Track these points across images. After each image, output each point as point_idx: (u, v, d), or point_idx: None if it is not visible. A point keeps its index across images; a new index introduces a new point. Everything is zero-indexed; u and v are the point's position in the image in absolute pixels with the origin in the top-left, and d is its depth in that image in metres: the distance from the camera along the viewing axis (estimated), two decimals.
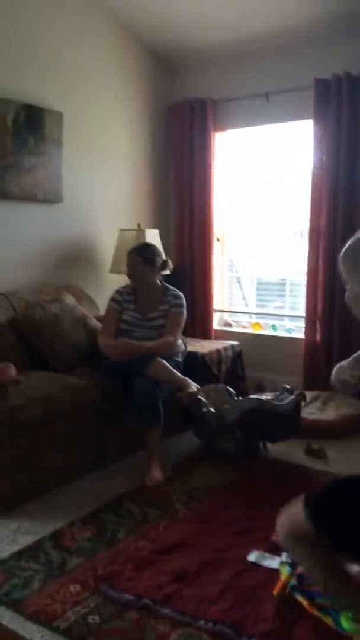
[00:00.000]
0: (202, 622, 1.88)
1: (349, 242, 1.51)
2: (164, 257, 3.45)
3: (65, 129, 3.72)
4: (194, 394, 3.17)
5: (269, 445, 3.37)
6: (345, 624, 1.83)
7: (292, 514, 1.64)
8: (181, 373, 3.21)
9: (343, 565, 1.68)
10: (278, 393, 3.36)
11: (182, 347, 3.49)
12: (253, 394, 3.60)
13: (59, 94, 3.71)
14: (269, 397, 3.30)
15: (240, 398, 3.43)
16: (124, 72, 4.27)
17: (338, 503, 1.52)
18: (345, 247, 1.51)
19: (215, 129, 4.46)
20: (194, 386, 3.19)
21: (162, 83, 4.59)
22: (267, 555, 2.27)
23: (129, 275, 3.36)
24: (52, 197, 3.71)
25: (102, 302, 3.74)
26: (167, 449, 3.23)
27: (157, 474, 2.95)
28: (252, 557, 2.27)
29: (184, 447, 3.43)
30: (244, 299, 4.79)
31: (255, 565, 2.21)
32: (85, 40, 3.90)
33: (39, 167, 3.60)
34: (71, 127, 3.77)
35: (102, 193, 4.14)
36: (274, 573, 2.12)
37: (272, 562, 2.22)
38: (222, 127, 4.49)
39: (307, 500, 1.60)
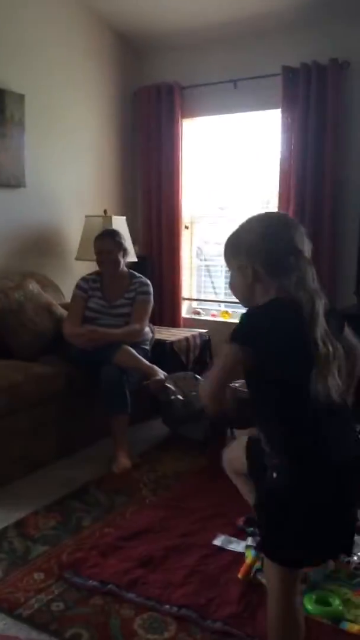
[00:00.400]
0: (167, 606, 1.88)
1: (233, 230, 1.57)
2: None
3: (28, 111, 3.63)
4: (162, 381, 3.16)
5: (237, 432, 3.38)
6: (308, 605, 1.85)
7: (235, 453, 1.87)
8: (149, 361, 3.19)
9: None
10: (244, 380, 3.36)
11: (150, 334, 3.47)
12: None
13: (20, 75, 3.60)
14: (236, 384, 3.30)
15: None
16: (89, 55, 4.19)
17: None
18: (229, 235, 1.57)
19: (183, 116, 4.42)
20: (161, 374, 3.18)
21: (129, 67, 4.52)
22: (233, 539, 2.29)
23: (101, 261, 3.31)
24: (14, 181, 3.62)
25: (68, 289, 3.69)
26: (134, 437, 3.21)
27: (124, 461, 2.94)
28: (217, 541, 2.28)
29: (152, 435, 3.42)
30: (213, 287, 4.78)
31: (221, 550, 2.22)
32: (49, 22, 3.80)
33: None
34: (34, 109, 3.68)
35: (67, 178, 4.06)
36: (239, 557, 2.13)
37: (238, 546, 2.23)
38: (191, 114, 4.45)
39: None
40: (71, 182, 4.10)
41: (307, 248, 1.49)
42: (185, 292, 4.66)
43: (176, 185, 4.46)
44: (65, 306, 3.51)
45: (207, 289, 4.81)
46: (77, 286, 3.33)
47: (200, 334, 4.12)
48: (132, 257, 3.70)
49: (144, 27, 4.25)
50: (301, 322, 1.37)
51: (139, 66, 4.59)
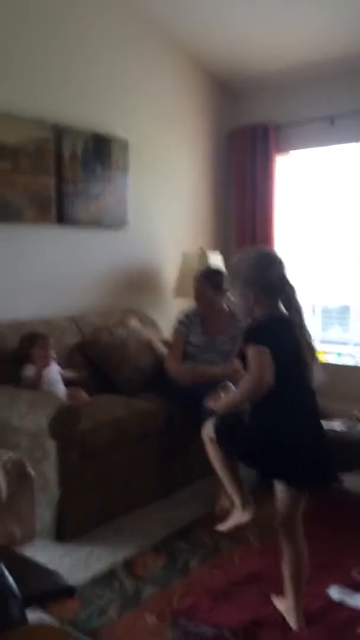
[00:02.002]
0: None
1: (233, 262, 2.05)
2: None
3: (131, 156, 3.78)
4: None
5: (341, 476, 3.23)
6: None
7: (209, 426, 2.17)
8: None
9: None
10: (348, 421, 3.25)
11: None
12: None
13: (124, 122, 3.78)
14: (342, 427, 3.19)
15: None
16: (186, 100, 4.33)
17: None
18: (230, 266, 2.06)
19: (277, 152, 4.45)
20: None
21: (225, 109, 4.63)
22: (349, 591, 2.16)
23: (196, 299, 3.34)
24: (117, 222, 3.76)
25: (165, 325, 3.74)
26: None
27: (227, 502, 2.87)
28: (333, 592, 2.16)
29: (252, 476, 3.33)
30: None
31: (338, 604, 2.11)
32: (148, 69, 3.97)
33: (105, 194, 3.65)
34: (136, 154, 3.83)
35: (165, 217, 4.17)
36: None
37: (356, 599, 2.11)
38: (284, 149, 4.47)
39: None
40: (169, 221, 4.20)
41: (288, 275, 1.96)
42: None
43: (269, 220, 4.46)
44: (163, 342, 3.55)
45: None
46: (179, 322, 3.34)
47: None
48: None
49: (239, 70, 4.35)
50: (292, 329, 1.90)
51: (235, 107, 4.68)
